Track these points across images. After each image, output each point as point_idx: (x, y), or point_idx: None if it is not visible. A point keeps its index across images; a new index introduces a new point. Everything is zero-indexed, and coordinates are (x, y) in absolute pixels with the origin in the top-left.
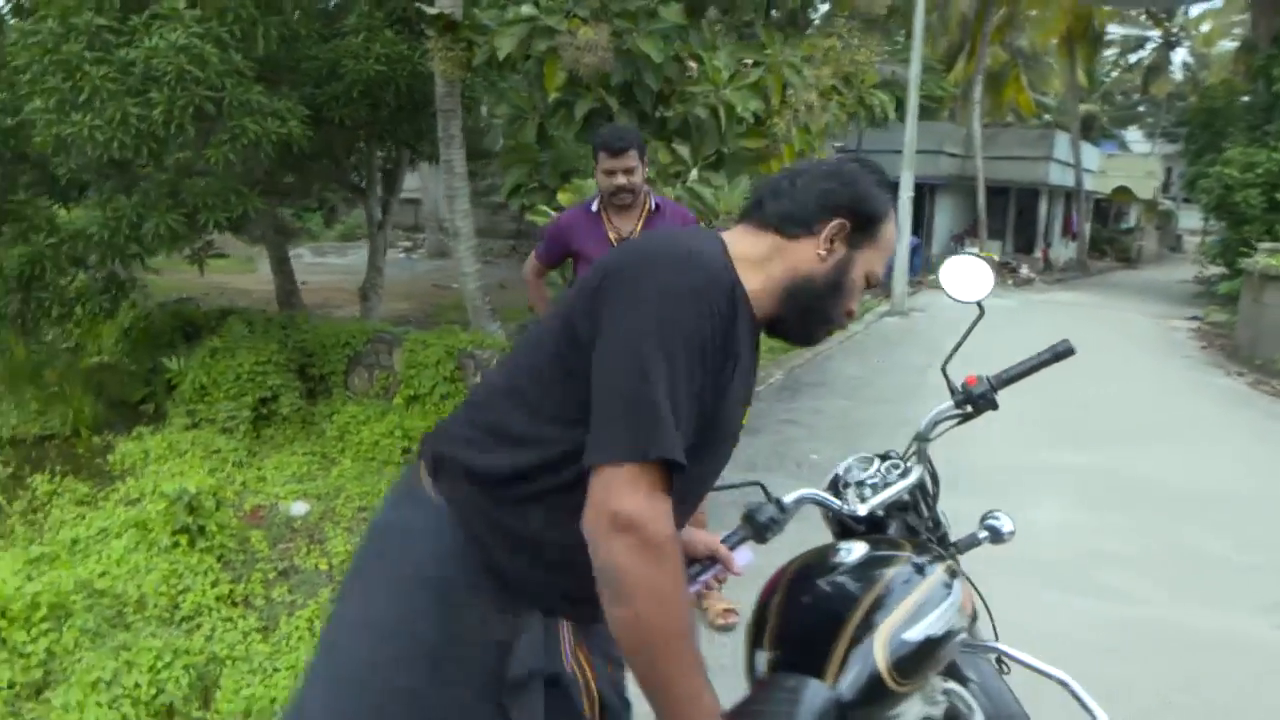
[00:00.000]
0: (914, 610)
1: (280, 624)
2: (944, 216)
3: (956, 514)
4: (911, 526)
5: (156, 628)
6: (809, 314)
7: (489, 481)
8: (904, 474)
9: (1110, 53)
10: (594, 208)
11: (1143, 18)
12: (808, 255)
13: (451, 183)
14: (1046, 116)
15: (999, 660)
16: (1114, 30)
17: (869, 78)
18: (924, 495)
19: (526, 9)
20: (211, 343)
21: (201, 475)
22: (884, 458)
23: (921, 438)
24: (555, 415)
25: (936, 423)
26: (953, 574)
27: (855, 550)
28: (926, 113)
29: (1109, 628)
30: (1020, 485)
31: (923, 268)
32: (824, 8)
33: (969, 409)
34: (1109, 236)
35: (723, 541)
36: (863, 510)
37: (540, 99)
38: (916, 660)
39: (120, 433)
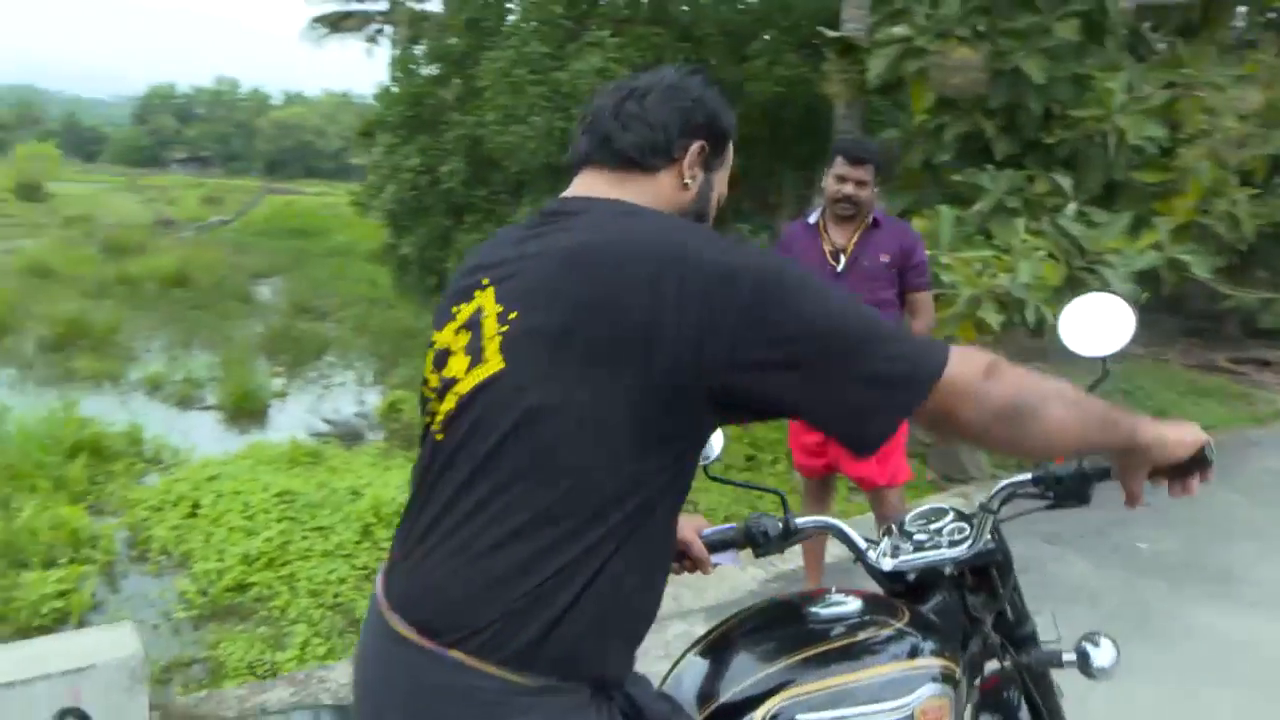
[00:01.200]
0: (833, 693)
1: None
2: None
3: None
4: (971, 611)
5: None
6: None
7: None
8: (958, 543)
9: None
10: (812, 219)
11: None
12: (672, 187)
13: None
14: None
15: None
16: None
17: None
18: (997, 576)
19: (900, 29)
20: None
21: None
22: (969, 517)
23: (986, 509)
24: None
25: (1009, 498)
26: (945, 679)
27: (841, 603)
28: None
29: None
30: None
31: None
32: None
33: (1050, 495)
34: None
35: (710, 535)
36: (887, 565)
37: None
38: None
39: None
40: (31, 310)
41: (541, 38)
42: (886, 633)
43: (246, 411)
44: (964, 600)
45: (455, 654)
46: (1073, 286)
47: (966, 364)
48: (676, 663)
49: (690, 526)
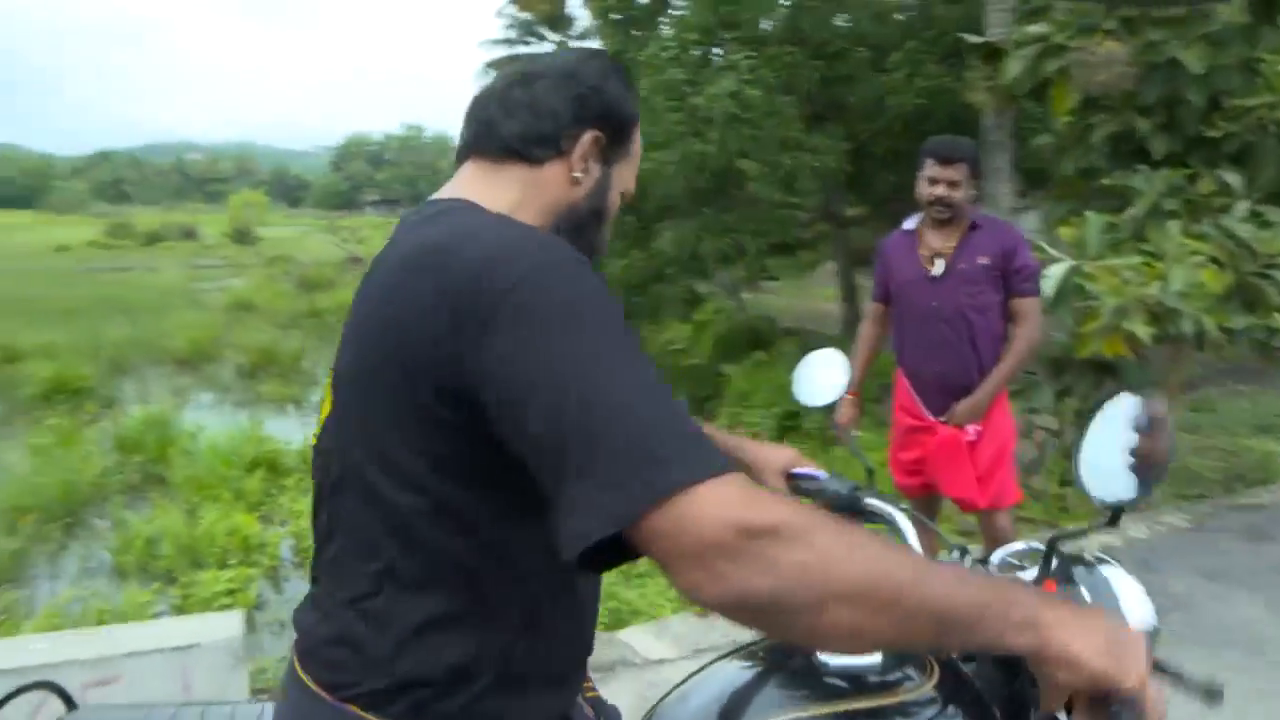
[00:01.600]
0: None
1: None
2: None
3: None
4: (1017, 697)
5: None
6: None
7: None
8: None
9: None
10: (910, 225)
11: None
12: (560, 181)
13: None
14: None
15: None
16: None
17: None
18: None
19: (1037, 28)
20: (757, 356)
21: None
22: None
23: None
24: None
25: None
26: None
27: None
28: None
29: None
30: None
31: None
32: None
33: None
34: None
35: (801, 475)
36: None
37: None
38: None
39: None
40: (233, 341)
41: (678, 65)
42: (918, 696)
43: None
44: (1009, 679)
45: (353, 709)
46: (1242, 294)
47: (698, 524)
48: (691, 675)
49: (781, 462)
